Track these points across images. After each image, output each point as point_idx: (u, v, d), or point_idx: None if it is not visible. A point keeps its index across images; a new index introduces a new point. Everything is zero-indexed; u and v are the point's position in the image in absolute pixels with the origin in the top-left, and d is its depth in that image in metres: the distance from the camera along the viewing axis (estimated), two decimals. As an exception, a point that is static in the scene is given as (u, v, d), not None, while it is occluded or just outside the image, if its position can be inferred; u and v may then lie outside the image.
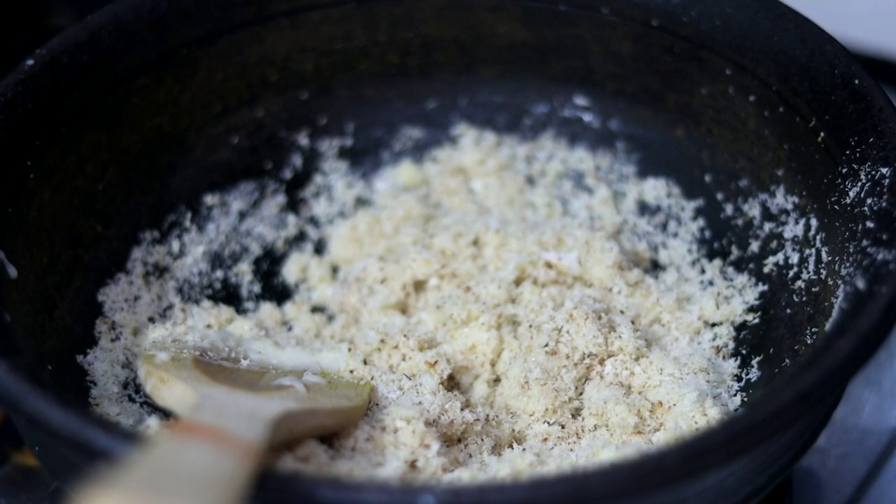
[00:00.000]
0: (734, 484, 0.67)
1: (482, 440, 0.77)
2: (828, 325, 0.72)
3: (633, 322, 0.83)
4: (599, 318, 0.81)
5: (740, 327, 0.85)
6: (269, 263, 0.93)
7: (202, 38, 0.90)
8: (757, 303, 0.85)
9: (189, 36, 0.89)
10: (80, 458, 0.65)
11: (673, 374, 0.79)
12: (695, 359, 0.81)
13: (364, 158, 0.98)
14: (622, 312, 0.83)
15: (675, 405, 0.77)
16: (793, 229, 0.83)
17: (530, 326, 0.82)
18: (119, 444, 0.60)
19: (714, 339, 0.85)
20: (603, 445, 0.75)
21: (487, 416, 0.79)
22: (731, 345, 0.84)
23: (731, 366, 0.82)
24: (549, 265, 0.87)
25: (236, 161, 0.95)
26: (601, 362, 0.81)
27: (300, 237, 0.95)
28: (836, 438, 0.87)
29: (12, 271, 0.75)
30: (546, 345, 0.81)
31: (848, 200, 0.76)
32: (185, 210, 0.92)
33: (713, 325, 0.86)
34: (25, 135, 0.79)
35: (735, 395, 0.80)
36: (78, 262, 0.84)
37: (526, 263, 0.87)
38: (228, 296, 0.91)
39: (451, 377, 0.82)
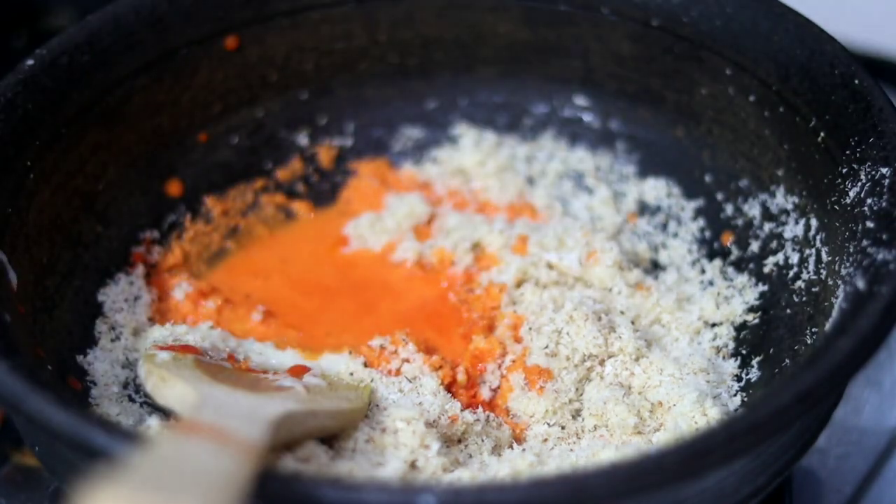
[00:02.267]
0: (734, 484, 0.67)
1: (482, 441, 0.77)
2: (828, 325, 0.72)
3: (633, 322, 0.83)
4: (599, 318, 0.81)
5: (740, 327, 0.85)
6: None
7: (202, 38, 0.90)
8: (757, 303, 0.85)
9: (189, 36, 0.89)
10: (80, 458, 0.65)
11: (673, 375, 0.79)
12: (695, 359, 0.81)
13: (364, 159, 0.98)
14: (622, 313, 0.83)
15: (675, 405, 0.77)
16: (793, 229, 0.83)
17: (530, 329, 0.82)
18: (119, 444, 0.60)
19: (714, 339, 0.84)
20: (603, 446, 0.75)
21: (488, 416, 0.79)
22: (731, 345, 0.84)
23: (731, 366, 0.82)
24: (550, 266, 0.87)
25: (236, 161, 0.95)
26: (601, 363, 0.81)
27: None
28: (836, 438, 0.87)
29: (13, 276, 0.75)
30: (546, 346, 0.81)
31: (848, 200, 0.76)
32: (184, 210, 0.92)
33: (713, 325, 0.85)
34: (25, 135, 0.79)
35: (735, 395, 0.80)
36: (78, 262, 0.84)
37: (528, 265, 0.87)
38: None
39: (452, 379, 0.82)
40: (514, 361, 0.82)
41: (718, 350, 0.84)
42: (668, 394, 0.78)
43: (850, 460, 0.86)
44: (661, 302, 0.85)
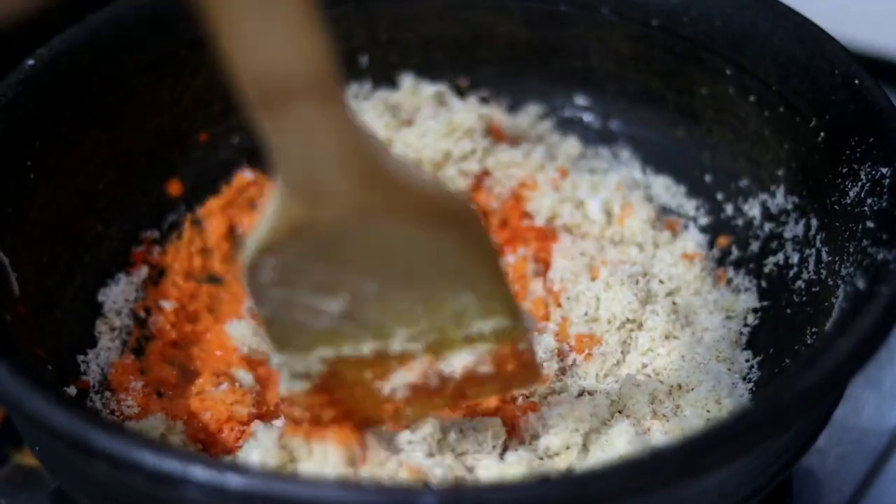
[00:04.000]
0: (734, 484, 0.67)
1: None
2: (828, 325, 0.72)
3: (671, 294, 0.84)
4: (637, 282, 0.83)
5: (740, 327, 0.85)
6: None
7: (202, 38, 0.89)
8: (757, 303, 0.85)
9: (189, 36, 0.89)
10: (80, 458, 0.65)
11: (694, 359, 0.80)
12: (720, 345, 0.81)
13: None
14: (661, 282, 0.84)
15: (692, 390, 0.78)
16: (793, 229, 0.83)
17: (569, 298, 0.83)
18: (119, 444, 0.60)
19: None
20: (622, 431, 0.74)
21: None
22: (732, 344, 0.84)
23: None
24: (577, 206, 0.88)
25: (236, 161, 0.94)
26: (639, 327, 0.82)
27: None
28: (836, 438, 0.87)
29: (14, 277, 0.75)
30: (586, 313, 0.82)
31: (848, 200, 0.76)
32: (184, 210, 0.92)
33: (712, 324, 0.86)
34: (25, 135, 0.79)
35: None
36: (78, 261, 0.84)
37: (557, 202, 0.88)
38: (228, 296, 0.90)
39: None
40: (556, 332, 0.82)
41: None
42: (689, 377, 0.78)
43: (850, 460, 0.86)
44: (703, 275, 0.86)
